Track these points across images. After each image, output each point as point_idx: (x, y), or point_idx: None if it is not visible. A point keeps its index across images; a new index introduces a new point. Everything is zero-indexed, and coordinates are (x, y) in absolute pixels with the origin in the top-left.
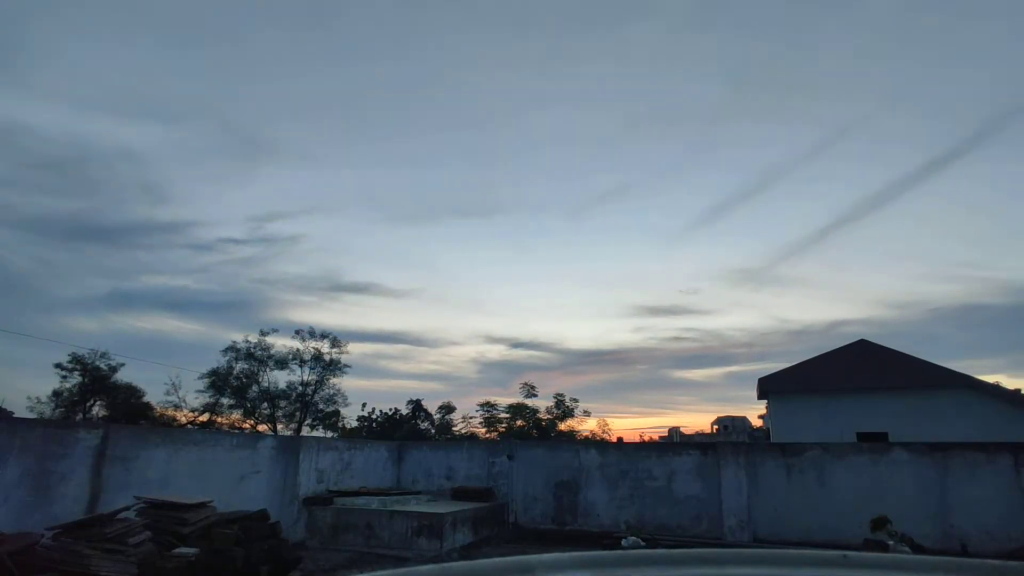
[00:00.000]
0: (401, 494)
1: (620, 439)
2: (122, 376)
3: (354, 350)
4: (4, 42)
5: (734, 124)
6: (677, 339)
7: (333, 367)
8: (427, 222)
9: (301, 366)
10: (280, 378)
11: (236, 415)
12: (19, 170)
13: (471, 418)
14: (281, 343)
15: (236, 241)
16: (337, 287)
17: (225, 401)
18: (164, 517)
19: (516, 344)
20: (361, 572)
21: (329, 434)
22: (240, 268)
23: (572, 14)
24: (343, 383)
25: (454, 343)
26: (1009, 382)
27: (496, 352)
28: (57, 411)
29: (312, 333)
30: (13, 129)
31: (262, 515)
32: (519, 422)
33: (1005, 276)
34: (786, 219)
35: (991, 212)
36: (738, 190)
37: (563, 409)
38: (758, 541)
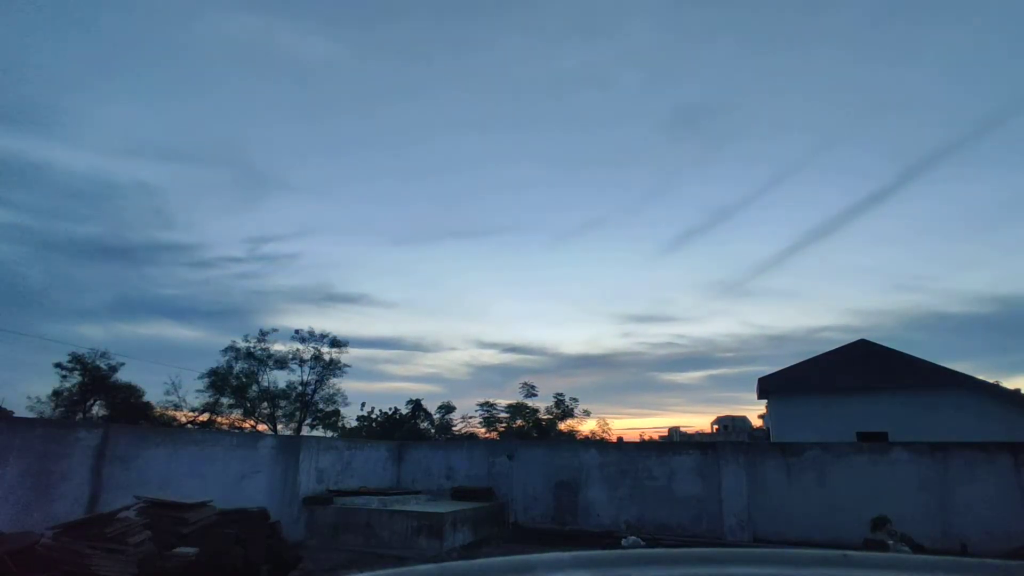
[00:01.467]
0: (401, 494)
1: (620, 439)
2: (122, 376)
3: (350, 354)
4: (44, 101)
5: (694, 166)
6: (666, 345)
7: (333, 367)
8: (416, 243)
9: (301, 366)
10: (280, 378)
11: (236, 415)
12: (52, 200)
13: (471, 418)
14: (280, 344)
15: (236, 259)
16: (331, 297)
17: (225, 401)
18: (164, 517)
19: (509, 348)
20: (361, 572)
21: (329, 434)
22: (239, 281)
23: (538, 83)
24: (342, 383)
25: (448, 349)
26: None
27: (489, 356)
28: (57, 411)
29: (312, 334)
30: (48, 167)
31: (262, 514)
32: (519, 422)
33: (960, 287)
34: (751, 244)
35: (941, 231)
36: (700, 222)
37: (563, 409)
38: (758, 541)
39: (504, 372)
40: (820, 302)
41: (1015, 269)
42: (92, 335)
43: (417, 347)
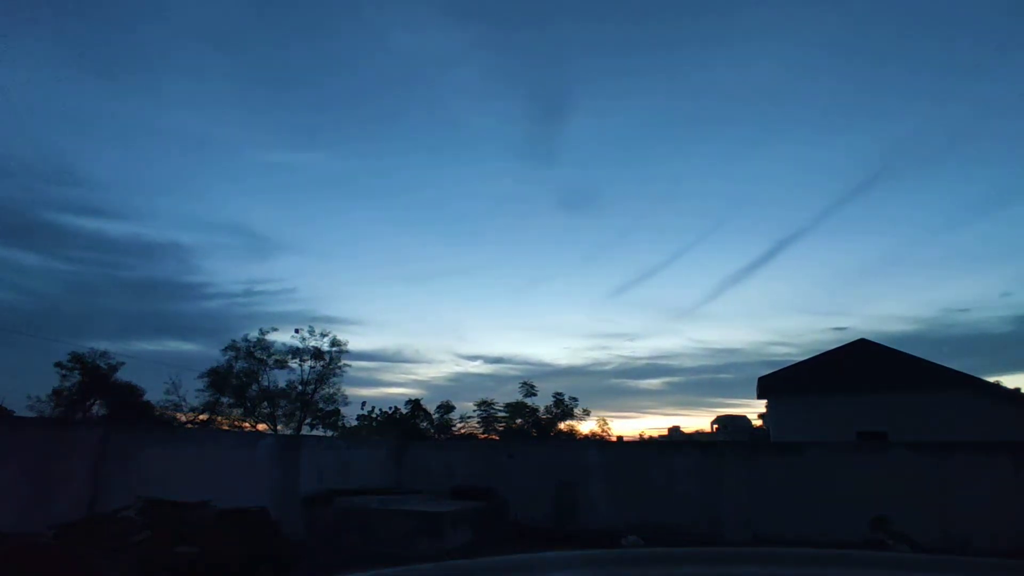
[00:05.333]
0: (401, 493)
1: (620, 438)
2: (122, 376)
3: (345, 359)
4: (85, 180)
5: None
6: (631, 358)
7: (333, 366)
8: (396, 283)
9: (301, 365)
10: (280, 377)
11: (236, 414)
12: (100, 254)
13: (470, 418)
14: (280, 343)
15: (234, 294)
16: (317, 319)
17: (225, 400)
18: (164, 516)
19: (493, 360)
20: (361, 572)
21: (329, 433)
22: (234, 308)
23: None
24: (342, 383)
25: (435, 361)
26: None
27: (476, 367)
28: (57, 410)
29: (312, 331)
30: (101, 235)
31: (262, 514)
32: (518, 421)
33: (886, 311)
34: (680, 290)
35: (842, 274)
36: (633, 277)
37: (563, 408)
38: (758, 540)
39: (492, 379)
40: (760, 323)
41: (922, 300)
42: (99, 348)
43: (406, 359)
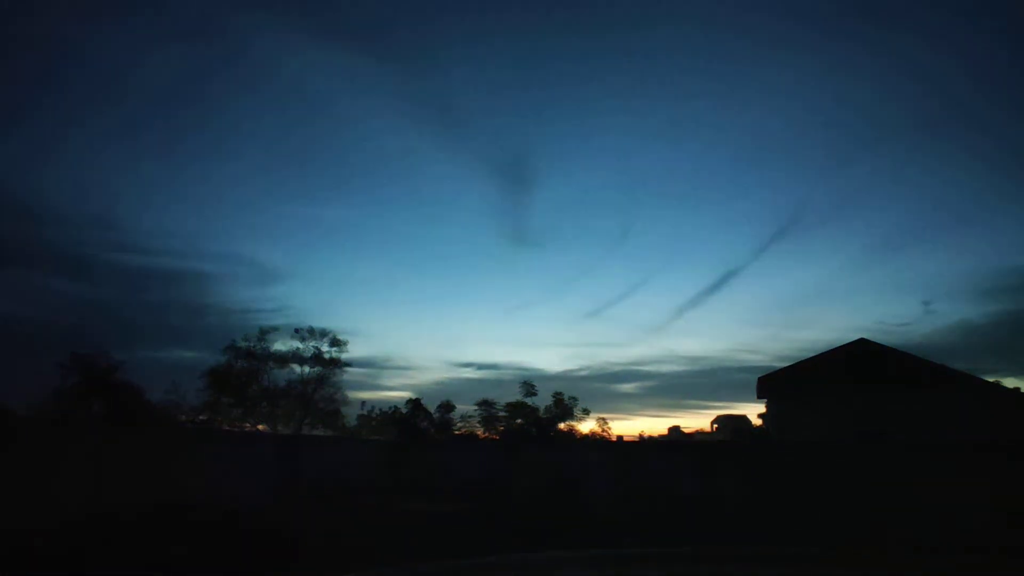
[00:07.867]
0: (401, 492)
1: (620, 438)
2: (122, 375)
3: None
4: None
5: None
6: (611, 363)
7: (333, 366)
8: (384, 305)
9: (300, 365)
10: (280, 376)
11: (236, 414)
12: (129, 280)
13: (470, 418)
14: (280, 343)
15: (236, 310)
16: (317, 329)
17: (225, 400)
18: (164, 516)
19: (484, 366)
20: (361, 571)
21: (329, 433)
22: (236, 318)
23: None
24: (342, 383)
25: (428, 368)
26: None
27: (469, 372)
28: (57, 410)
29: (312, 332)
30: (136, 267)
31: (262, 514)
32: (518, 421)
33: (847, 323)
34: (649, 309)
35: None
36: (597, 306)
37: (563, 408)
38: (758, 540)
39: (484, 384)
40: (725, 336)
41: (860, 317)
42: (115, 355)
43: (398, 365)
